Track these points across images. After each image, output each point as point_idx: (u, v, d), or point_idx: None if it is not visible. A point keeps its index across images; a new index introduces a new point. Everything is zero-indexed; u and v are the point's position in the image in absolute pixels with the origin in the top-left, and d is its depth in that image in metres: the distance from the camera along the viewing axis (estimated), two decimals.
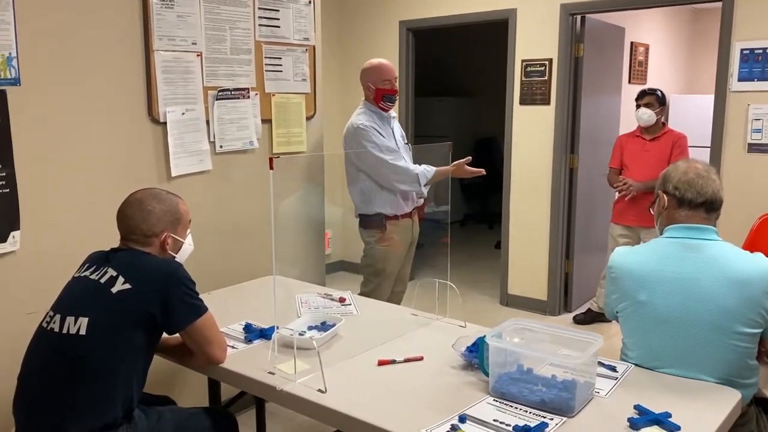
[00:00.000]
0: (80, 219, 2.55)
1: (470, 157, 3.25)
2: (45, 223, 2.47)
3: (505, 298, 5.04)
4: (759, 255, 1.87)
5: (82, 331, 1.75)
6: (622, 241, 4.20)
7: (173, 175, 2.85)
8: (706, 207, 1.92)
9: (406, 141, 3.52)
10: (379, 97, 3.31)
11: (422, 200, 3.53)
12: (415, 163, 3.41)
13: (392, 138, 3.36)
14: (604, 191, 4.68)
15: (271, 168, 1.71)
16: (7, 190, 2.34)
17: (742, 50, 3.79)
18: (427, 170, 3.29)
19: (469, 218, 8.46)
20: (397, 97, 3.39)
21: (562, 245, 4.78)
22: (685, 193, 1.93)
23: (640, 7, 4.35)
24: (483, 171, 3.28)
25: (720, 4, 3.90)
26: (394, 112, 3.47)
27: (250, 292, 2.81)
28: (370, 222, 3.37)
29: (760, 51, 3.73)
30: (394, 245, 3.37)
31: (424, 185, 3.31)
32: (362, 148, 3.24)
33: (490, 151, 8.13)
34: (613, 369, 1.92)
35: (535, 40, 4.61)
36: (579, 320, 4.66)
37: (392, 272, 3.42)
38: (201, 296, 1.94)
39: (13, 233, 2.37)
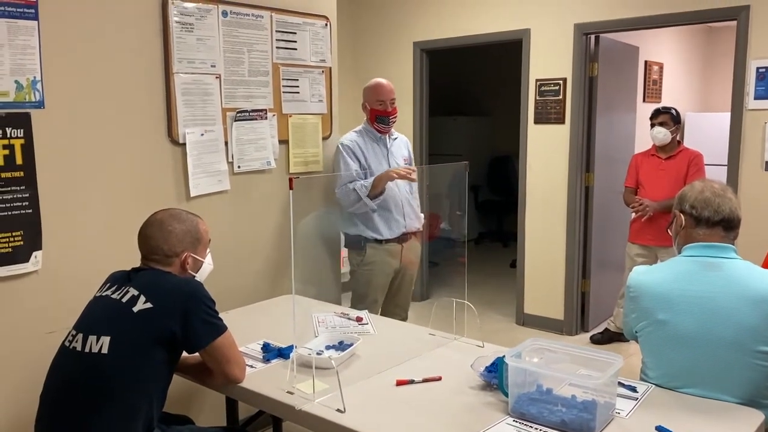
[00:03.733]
0: (101, 239, 2.58)
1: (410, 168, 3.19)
2: (66, 243, 2.50)
3: (522, 318, 5.01)
4: None
5: (105, 350, 1.77)
6: (640, 261, 4.17)
7: (192, 195, 2.88)
8: (724, 225, 1.91)
9: (410, 164, 3.41)
10: (373, 117, 3.27)
11: (417, 226, 3.40)
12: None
13: (383, 159, 3.29)
14: (620, 209, 4.66)
15: (291, 188, 1.73)
16: (30, 210, 2.38)
17: (758, 68, 3.79)
18: (365, 183, 3.18)
19: (484, 237, 8.44)
20: (393, 120, 3.30)
21: (579, 264, 4.75)
22: (702, 211, 1.93)
23: (654, 26, 4.35)
24: (414, 169, 3.18)
25: (735, 22, 3.90)
26: (397, 134, 3.42)
27: (268, 311, 2.82)
28: (351, 243, 3.32)
29: None
30: (375, 271, 3.29)
31: (368, 197, 3.16)
32: (338, 163, 3.24)
33: (506, 169, 8.15)
34: (633, 389, 1.91)
35: (549, 59, 4.64)
36: (596, 340, 4.62)
37: (376, 299, 3.33)
38: (219, 315, 1.95)
39: (35, 253, 2.41)
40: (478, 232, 8.49)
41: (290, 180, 1.74)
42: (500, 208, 8.15)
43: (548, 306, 4.87)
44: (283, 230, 3.30)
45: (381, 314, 3.45)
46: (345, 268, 3.67)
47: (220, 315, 1.95)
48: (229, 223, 3.05)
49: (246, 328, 2.48)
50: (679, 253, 2.01)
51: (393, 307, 3.48)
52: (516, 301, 5.08)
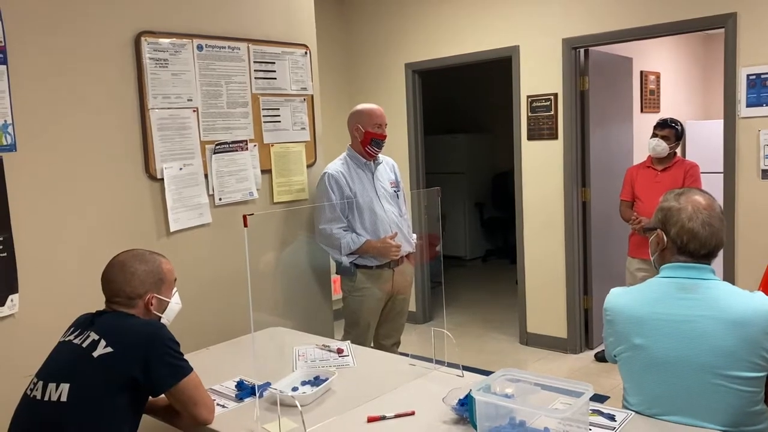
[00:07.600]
0: (79, 280, 2.56)
1: (398, 244, 3.21)
2: (44, 285, 2.49)
3: (525, 338, 4.92)
4: (759, 294, 1.79)
5: (63, 398, 1.74)
6: (641, 275, 4.08)
7: (172, 230, 2.87)
8: (707, 257, 1.84)
9: (397, 188, 3.42)
10: (368, 140, 3.24)
11: (408, 249, 3.39)
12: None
13: (369, 186, 3.28)
14: (620, 224, 4.57)
15: (245, 225, 1.70)
16: (5, 254, 2.38)
17: (748, 75, 3.72)
18: (352, 241, 3.18)
19: (491, 254, 8.37)
20: (384, 143, 3.31)
21: (580, 280, 4.67)
22: (688, 243, 1.83)
23: (641, 38, 4.30)
24: (398, 245, 3.21)
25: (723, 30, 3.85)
26: (383, 157, 3.41)
27: (250, 346, 2.78)
28: (341, 270, 3.30)
29: (767, 76, 3.65)
30: (366, 297, 3.27)
31: (347, 254, 3.19)
32: (323, 195, 3.21)
33: (508, 184, 8.08)
34: (612, 418, 1.84)
35: (539, 75, 4.60)
36: (600, 357, 4.52)
37: (368, 324, 3.32)
38: (199, 351, 1.91)
39: (11, 296, 2.40)
40: (485, 249, 8.42)
41: (244, 218, 1.71)
42: (505, 224, 8.07)
43: (551, 324, 4.78)
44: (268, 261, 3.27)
45: (373, 340, 3.42)
46: (341, 293, 3.62)
47: (200, 351, 1.91)
48: (212, 256, 3.02)
49: (225, 364, 2.44)
50: (656, 267, 1.95)
51: (385, 332, 3.44)
52: (518, 321, 5.00)
